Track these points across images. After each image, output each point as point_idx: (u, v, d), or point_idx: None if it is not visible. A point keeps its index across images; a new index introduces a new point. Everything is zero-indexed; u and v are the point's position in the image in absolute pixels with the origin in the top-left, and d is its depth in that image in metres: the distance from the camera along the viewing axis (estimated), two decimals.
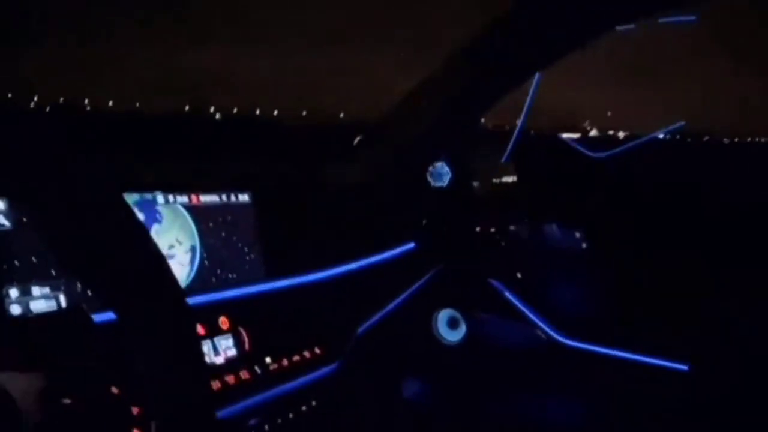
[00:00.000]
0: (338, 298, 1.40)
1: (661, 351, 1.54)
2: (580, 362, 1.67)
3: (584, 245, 2.17)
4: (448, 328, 1.94)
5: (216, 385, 1.06)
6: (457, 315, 1.91)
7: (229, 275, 1.25)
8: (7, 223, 0.93)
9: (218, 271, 1.23)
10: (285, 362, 1.20)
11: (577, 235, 2.18)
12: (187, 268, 1.17)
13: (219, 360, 1.10)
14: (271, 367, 1.17)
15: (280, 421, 1.17)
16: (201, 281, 1.19)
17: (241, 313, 1.17)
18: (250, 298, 1.22)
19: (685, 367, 1.50)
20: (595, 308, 1.83)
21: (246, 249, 1.30)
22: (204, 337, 1.09)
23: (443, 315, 1.92)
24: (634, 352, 1.60)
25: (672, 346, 1.53)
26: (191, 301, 1.07)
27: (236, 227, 1.29)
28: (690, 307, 1.63)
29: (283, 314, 1.26)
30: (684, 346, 1.53)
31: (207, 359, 1.07)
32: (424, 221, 1.93)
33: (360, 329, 1.43)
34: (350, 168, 1.56)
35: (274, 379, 1.16)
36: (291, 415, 1.20)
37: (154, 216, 1.14)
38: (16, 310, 0.91)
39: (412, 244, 1.75)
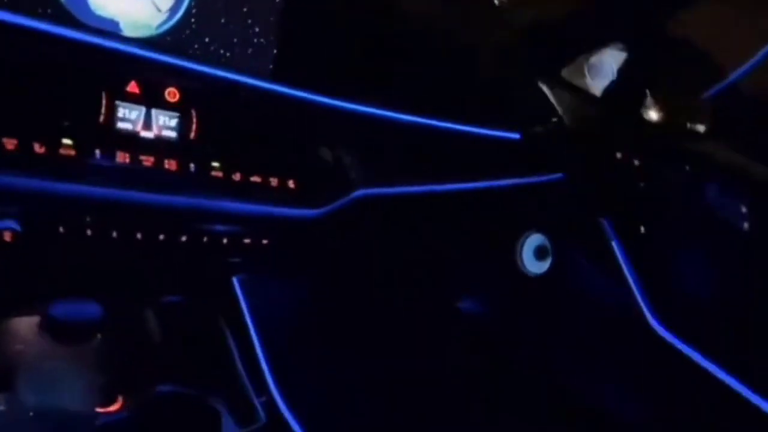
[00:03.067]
0: (361, 147, 1.10)
1: None
2: (667, 362, 1.27)
3: (746, 225, 1.62)
4: (534, 258, 1.61)
5: (123, 157, 0.85)
6: (547, 245, 1.57)
7: (220, 51, 0.99)
8: None
9: (206, 39, 0.97)
10: (237, 176, 0.96)
11: (743, 209, 1.62)
12: (162, 16, 0.92)
13: (147, 134, 0.87)
14: (214, 173, 0.93)
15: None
16: (176, 40, 0.94)
17: (206, 98, 0.92)
18: (230, 86, 0.96)
19: None
20: (718, 307, 1.37)
21: (257, 29, 1.02)
22: (136, 100, 0.86)
23: (531, 241, 1.58)
24: (744, 381, 1.16)
25: None
26: (144, 53, 0.87)
27: None
28: None
29: (266, 128, 0.99)
30: None
31: (128, 125, 0.85)
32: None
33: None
34: None
35: (210, 187, 0.93)
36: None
37: None
38: None
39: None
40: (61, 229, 0.82)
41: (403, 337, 1.47)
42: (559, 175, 1.60)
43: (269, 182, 0.99)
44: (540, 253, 1.65)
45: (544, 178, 1.58)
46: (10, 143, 0.75)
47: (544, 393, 1.58)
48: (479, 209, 1.52)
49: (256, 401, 0.98)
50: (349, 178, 1.10)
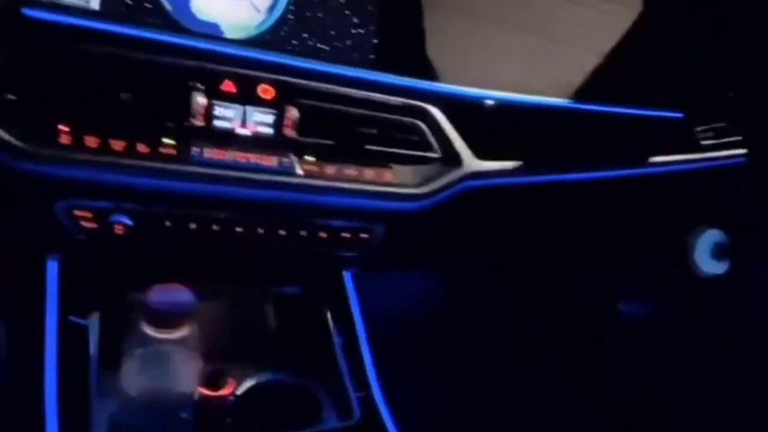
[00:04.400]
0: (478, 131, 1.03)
1: None
2: None
3: None
4: (710, 257, 1.43)
5: (221, 154, 0.88)
6: (726, 242, 1.38)
7: (318, 45, 0.99)
8: None
9: (304, 35, 0.98)
10: (331, 170, 0.95)
11: None
12: (260, 16, 0.95)
13: (243, 131, 0.90)
14: (308, 167, 0.94)
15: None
16: (275, 38, 0.96)
17: (301, 93, 0.93)
18: (326, 79, 0.95)
19: None
20: None
21: (356, 20, 1.00)
22: (232, 98, 0.89)
23: (708, 237, 1.39)
24: None
25: None
26: (238, 52, 0.90)
27: None
28: None
29: (363, 120, 0.97)
30: None
31: (226, 124, 0.89)
32: None
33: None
34: None
35: (306, 181, 0.93)
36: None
37: None
38: None
39: None
40: (167, 223, 0.88)
41: (528, 342, 1.35)
42: (739, 159, 1.36)
43: (364, 175, 0.96)
44: (718, 252, 1.43)
45: (720, 162, 1.36)
46: (118, 144, 0.82)
47: (714, 416, 1.35)
48: (646, 200, 1.34)
49: (353, 395, 0.96)
50: (456, 169, 1.03)
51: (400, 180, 0.99)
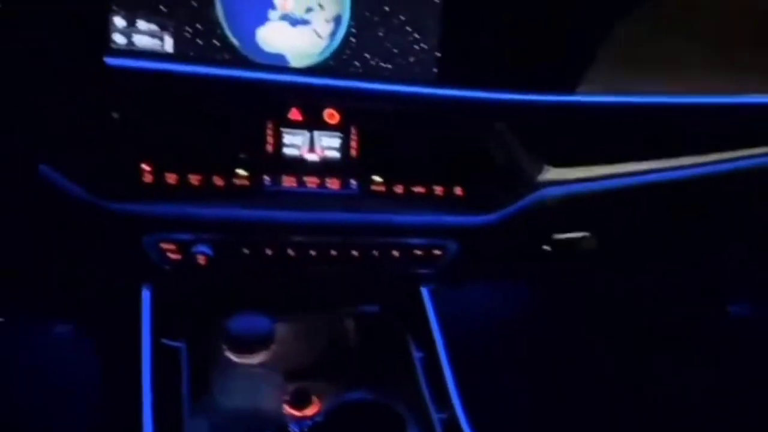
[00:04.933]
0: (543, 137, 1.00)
1: None
2: None
3: None
4: None
5: (290, 180, 0.91)
6: None
7: (381, 64, 0.99)
8: None
9: (365, 55, 0.98)
10: (399, 189, 0.95)
11: None
12: (323, 42, 0.96)
13: (311, 156, 0.92)
14: (375, 188, 0.94)
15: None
16: (338, 62, 0.97)
17: (365, 114, 0.93)
18: (392, 98, 0.95)
19: None
20: None
21: (417, 36, 1.00)
22: (299, 125, 0.91)
23: None
24: None
25: None
26: (302, 80, 0.92)
27: (409, 3, 0.98)
28: None
29: (429, 137, 0.96)
30: None
31: (295, 151, 0.91)
32: None
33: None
34: None
35: (373, 202, 0.94)
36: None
37: None
38: (120, 39, 0.90)
39: None
40: (245, 251, 0.92)
41: (618, 351, 1.28)
42: None
43: (433, 192, 0.95)
44: None
45: None
46: (195, 179, 0.86)
47: None
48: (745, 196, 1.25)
49: (435, 417, 0.95)
50: (528, 179, 1.00)
51: (470, 194, 0.98)
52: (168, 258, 0.91)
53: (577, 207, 1.06)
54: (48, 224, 0.89)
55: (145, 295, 0.95)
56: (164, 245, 0.90)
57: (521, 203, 1.00)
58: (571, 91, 0.99)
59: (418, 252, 0.99)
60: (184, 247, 0.90)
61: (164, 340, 0.95)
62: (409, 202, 0.94)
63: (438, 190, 0.96)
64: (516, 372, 1.21)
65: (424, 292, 1.08)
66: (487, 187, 0.98)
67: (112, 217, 0.86)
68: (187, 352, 0.97)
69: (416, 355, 1.03)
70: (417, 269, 1.02)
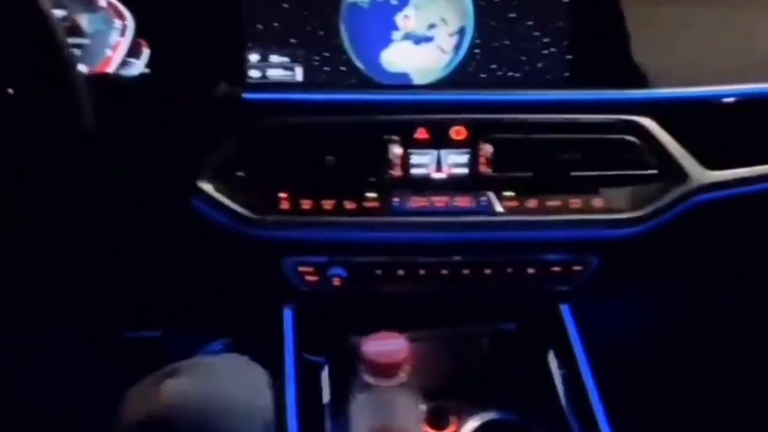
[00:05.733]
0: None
1: None
2: None
3: None
4: None
5: (418, 201, 0.91)
6: None
7: (508, 73, 0.95)
8: None
9: (492, 66, 0.95)
10: (533, 203, 0.90)
11: None
12: (446, 56, 0.95)
13: (439, 175, 0.91)
14: (507, 203, 0.91)
15: None
16: (463, 75, 0.95)
17: (494, 127, 0.90)
18: (522, 108, 0.92)
19: None
20: None
21: (547, 39, 0.94)
22: (426, 144, 0.91)
23: None
24: None
25: None
26: (427, 97, 0.91)
27: (535, 7, 0.93)
28: None
29: (561, 146, 0.91)
30: None
31: (422, 170, 0.91)
32: None
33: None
34: None
35: (506, 218, 0.90)
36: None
37: None
38: (254, 73, 0.95)
39: None
40: (378, 272, 0.93)
41: None
42: None
43: (571, 204, 0.90)
44: None
45: None
46: (328, 204, 0.89)
47: None
48: None
49: None
50: (679, 183, 0.91)
51: (612, 205, 0.91)
52: (306, 280, 0.95)
53: (737, 213, 0.94)
54: (201, 250, 0.96)
55: (287, 314, 1.00)
56: (302, 268, 0.94)
57: (673, 212, 0.91)
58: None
59: (556, 268, 0.94)
60: (320, 270, 0.93)
61: (306, 355, 0.99)
62: (545, 216, 0.89)
63: (576, 202, 0.90)
64: (668, 391, 1.10)
65: (564, 308, 1.02)
66: (632, 195, 0.90)
67: (255, 243, 0.91)
68: (327, 367, 1.01)
69: (558, 372, 0.98)
70: (555, 286, 0.97)
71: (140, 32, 0.94)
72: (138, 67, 0.95)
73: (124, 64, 0.94)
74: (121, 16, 0.94)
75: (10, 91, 0.69)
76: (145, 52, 0.95)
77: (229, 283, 1.02)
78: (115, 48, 0.93)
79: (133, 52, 0.94)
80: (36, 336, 1.17)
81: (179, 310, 1.12)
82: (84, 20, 0.94)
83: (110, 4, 0.95)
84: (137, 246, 0.95)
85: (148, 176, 0.88)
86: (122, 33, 0.94)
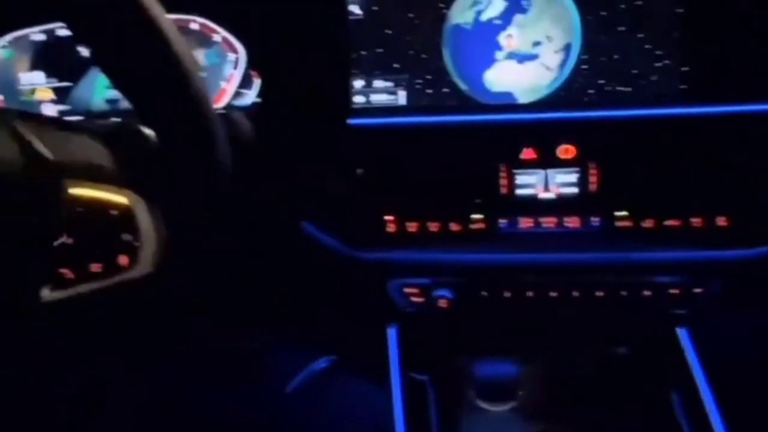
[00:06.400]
0: None
1: None
2: None
3: None
4: None
5: (526, 222, 0.89)
6: None
7: (617, 88, 0.92)
8: (359, 12, 0.96)
9: (600, 81, 0.92)
10: (648, 223, 0.87)
11: None
12: (551, 74, 0.93)
13: (547, 195, 0.90)
14: (620, 223, 0.87)
15: None
16: (569, 92, 0.93)
17: (604, 145, 0.88)
18: (634, 125, 0.88)
19: None
20: None
21: (660, 52, 0.90)
22: (532, 164, 0.89)
23: None
24: None
25: None
26: (533, 116, 0.89)
27: (644, 20, 0.90)
28: None
29: (679, 162, 0.86)
30: None
31: (529, 191, 0.90)
32: None
33: None
34: None
35: (620, 239, 0.87)
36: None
37: (518, 4, 0.92)
38: (359, 99, 0.98)
39: None
40: (484, 294, 0.92)
41: None
42: None
43: (691, 224, 0.85)
44: None
45: None
46: (434, 226, 0.89)
47: None
48: None
49: None
50: None
51: (738, 224, 0.85)
52: (411, 301, 0.95)
53: None
54: (310, 271, 1.00)
55: (392, 333, 1.01)
56: (407, 289, 0.94)
57: None
58: None
59: (674, 291, 0.89)
60: (425, 291, 0.94)
61: (412, 374, 1.00)
62: (662, 237, 0.85)
63: (696, 221, 0.85)
64: None
65: (683, 332, 0.96)
66: (759, 214, 0.84)
67: (362, 265, 0.93)
68: (433, 386, 1.01)
69: (674, 397, 0.93)
70: (671, 309, 0.92)
71: (251, 64, 0.98)
72: (250, 97, 1.00)
73: (236, 95, 0.99)
74: (234, 50, 1.00)
75: None
76: (256, 83, 0.99)
77: (337, 303, 1.04)
78: (229, 80, 0.98)
79: (245, 83, 0.99)
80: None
81: (289, 328, 1.16)
82: (201, 55, 1.01)
83: (224, 38, 1.01)
84: (253, 267, 1.00)
85: (260, 202, 0.92)
86: (235, 65, 0.99)
